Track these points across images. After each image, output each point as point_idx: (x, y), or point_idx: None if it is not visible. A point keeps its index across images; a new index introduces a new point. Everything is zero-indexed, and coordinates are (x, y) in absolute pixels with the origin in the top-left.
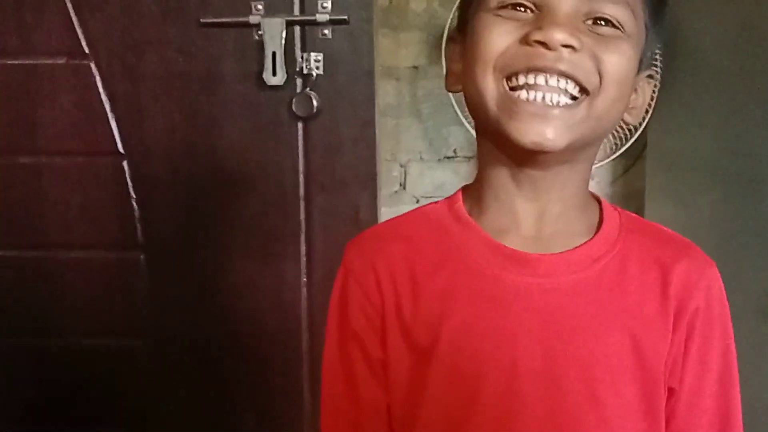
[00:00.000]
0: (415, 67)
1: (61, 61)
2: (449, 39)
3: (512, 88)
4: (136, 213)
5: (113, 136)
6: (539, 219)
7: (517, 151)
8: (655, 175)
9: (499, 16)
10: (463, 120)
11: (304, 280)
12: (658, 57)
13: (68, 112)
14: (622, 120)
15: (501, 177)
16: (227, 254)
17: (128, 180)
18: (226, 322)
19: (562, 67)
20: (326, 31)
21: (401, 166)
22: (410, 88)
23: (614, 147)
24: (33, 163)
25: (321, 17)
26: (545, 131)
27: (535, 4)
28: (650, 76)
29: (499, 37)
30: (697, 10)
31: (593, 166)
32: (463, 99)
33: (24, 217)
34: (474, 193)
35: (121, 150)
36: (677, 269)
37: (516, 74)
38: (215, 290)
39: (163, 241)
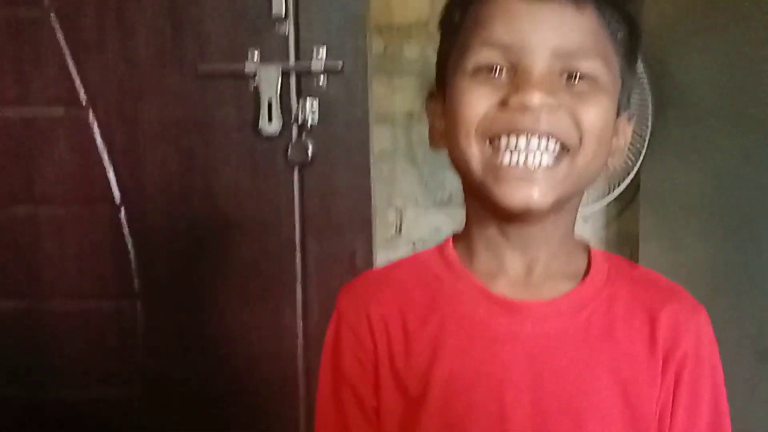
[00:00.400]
0: (410, 113)
1: (59, 110)
2: (429, 96)
3: (495, 149)
4: (133, 261)
5: (110, 184)
6: (527, 266)
7: (503, 211)
8: (648, 218)
9: (477, 80)
10: None
11: (301, 326)
12: (649, 101)
13: (65, 160)
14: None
15: (488, 229)
16: (224, 301)
17: (125, 228)
18: (223, 370)
19: (542, 127)
20: (321, 79)
21: (397, 210)
22: (405, 134)
23: (607, 190)
24: (30, 212)
25: (316, 66)
26: (531, 194)
27: (511, 64)
28: (630, 117)
29: (478, 102)
30: (686, 55)
31: (588, 210)
32: None
33: (20, 267)
34: (464, 241)
35: (118, 198)
36: (665, 313)
37: (498, 136)
38: (212, 337)
39: (159, 289)
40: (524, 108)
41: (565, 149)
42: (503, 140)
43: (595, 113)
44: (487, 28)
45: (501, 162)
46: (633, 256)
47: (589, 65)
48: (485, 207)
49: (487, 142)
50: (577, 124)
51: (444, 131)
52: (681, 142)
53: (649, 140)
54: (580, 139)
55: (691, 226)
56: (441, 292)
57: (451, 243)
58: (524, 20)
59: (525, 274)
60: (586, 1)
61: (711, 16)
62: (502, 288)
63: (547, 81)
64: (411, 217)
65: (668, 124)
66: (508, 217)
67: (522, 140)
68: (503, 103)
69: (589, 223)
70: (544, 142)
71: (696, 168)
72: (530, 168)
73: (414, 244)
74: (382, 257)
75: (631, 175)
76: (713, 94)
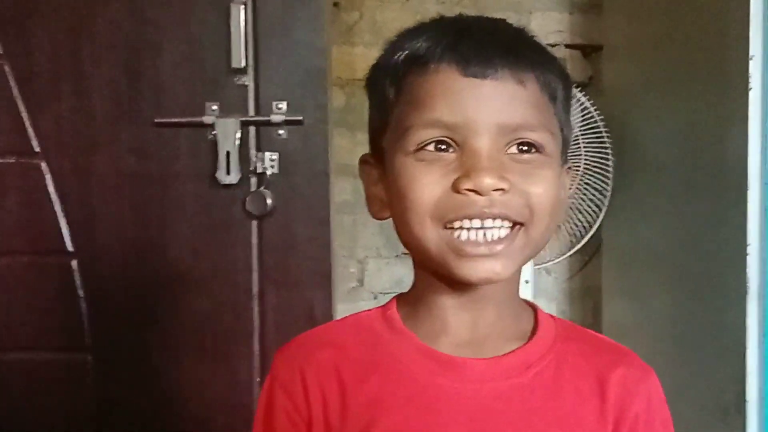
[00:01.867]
0: None
1: (11, 160)
2: (362, 162)
3: (451, 230)
4: (85, 313)
5: (63, 235)
6: (472, 325)
7: (462, 284)
8: (611, 271)
9: (422, 160)
10: None
11: (257, 380)
12: (610, 158)
13: (17, 211)
14: None
15: (437, 293)
16: (178, 355)
17: (77, 279)
18: (176, 425)
19: (495, 210)
20: (281, 131)
21: (359, 262)
22: None
23: (570, 244)
24: None
25: (276, 118)
26: (494, 268)
27: (455, 141)
28: (570, 168)
29: (429, 189)
30: (646, 113)
31: (551, 263)
32: None
33: None
34: (409, 301)
35: (71, 249)
36: (615, 376)
37: (452, 221)
38: (165, 392)
39: (111, 342)
40: (476, 192)
41: (518, 224)
42: (456, 224)
43: (543, 188)
44: (428, 108)
45: (459, 238)
46: (596, 309)
47: (535, 136)
48: (439, 277)
49: (443, 226)
50: (528, 203)
51: (387, 203)
52: (642, 198)
53: (611, 194)
54: (532, 216)
55: (653, 280)
56: (381, 352)
57: (395, 304)
58: (467, 98)
59: (469, 333)
60: (526, 74)
61: (671, 75)
62: (445, 347)
63: (495, 162)
64: (373, 269)
65: (629, 180)
66: (463, 286)
67: (476, 222)
68: (455, 188)
69: (552, 275)
70: (498, 222)
71: (657, 223)
72: (489, 240)
73: (376, 296)
74: (343, 309)
75: (593, 229)
76: (673, 151)
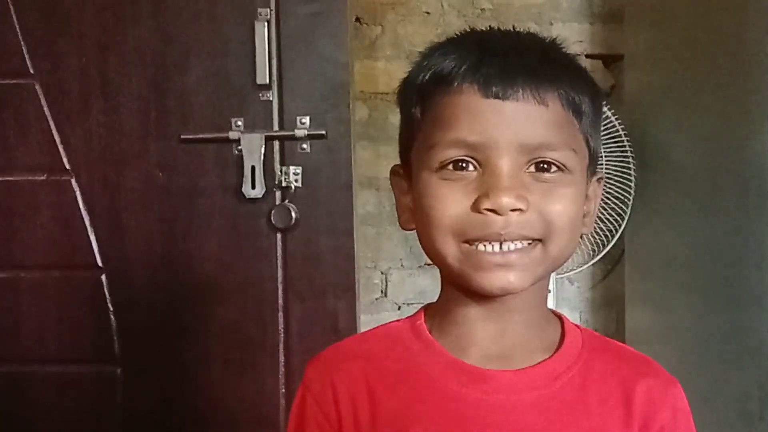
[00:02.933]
0: None
1: (42, 177)
2: (393, 172)
3: (470, 244)
4: (114, 326)
5: (92, 249)
6: (500, 337)
7: (482, 294)
8: (634, 280)
9: (445, 179)
10: None
11: (283, 391)
12: (632, 167)
13: (47, 226)
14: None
15: (462, 303)
16: (205, 366)
17: (106, 293)
18: None
19: (512, 231)
20: (305, 145)
21: (382, 273)
22: (390, 197)
23: (592, 253)
24: (11, 277)
25: (299, 132)
26: (509, 278)
27: (477, 161)
28: (600, 179)
29: (450, 208)
30: (667, 119)
31: (573, 272)
32: None
33: (0, 332)
34: (436, 312)
35: (100, 263)
36: (641, 386)
37: (472, 241)
38: (193, 403)
39: (140, 354)
40: (495, 212)
41: (536, 240)
42: (476, 243)
43: (563, 206)
44: (451, 128)
45: (477, 249)
46: (619, 318)
47: (556, 155)
48: (460, 289)
49: (462, 241)
50: (547, 221)
51: (413, 214)
52: (664, 205)
53: (633, 203)
54: (550, 232)
55: (676, 288)
56: (410, 363)
57: (423, 315)
58: (488, 119)
59: (497, 345)
60: (548, 93)
61: (691, 83)
62: (473, 359)
63: (515, 182)
64: (396, 280)
65: (651, 187)
66: (485, 297)
67: (496, 245)
68: (475, 208)
69: (575, 285)
70: (517, 241)
71: (680, 230)
72: (504, 251)
73: (399, 307)
74: (366, 320)
75: (616, 238)
76: (694, 159)
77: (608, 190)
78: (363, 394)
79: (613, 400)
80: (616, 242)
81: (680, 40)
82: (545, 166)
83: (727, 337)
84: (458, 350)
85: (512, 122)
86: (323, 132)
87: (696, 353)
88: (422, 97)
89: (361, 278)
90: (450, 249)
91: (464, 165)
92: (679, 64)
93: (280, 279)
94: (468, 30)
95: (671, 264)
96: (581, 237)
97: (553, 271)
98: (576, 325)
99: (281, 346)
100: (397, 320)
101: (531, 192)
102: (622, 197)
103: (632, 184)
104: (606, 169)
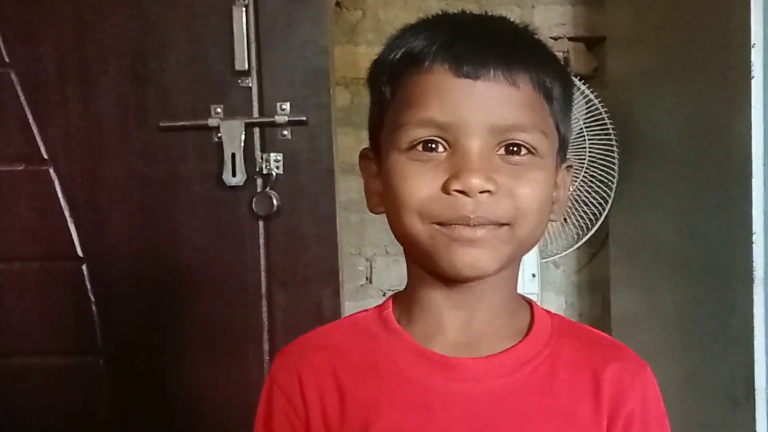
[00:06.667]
0: None
1: (20, 167)
2: (362, 156)
3: (439, 225)
4: (96, 317)
5: (72, 240)
6: (467, 325)
7: (450, 276)
8: (619, 263)
9: (414, 160)
10: None
11: None
12: (615, 150)
13: (26, 217)
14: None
15: (430, 289)
16: (189, 356)
17: (87, 284)
18: (188, 426)
19: (480, 216)
20: (285, 132)
21: (367, 260)
22: None
23: (577, 237)
24: None
25: (280, 119)
26: (478, 257)
27: (447, 142)
28: (569, 167)
29: (419, 189)
30: (651, 103)
31: (558, 256)
32: None
33: None
34: (404, 300)
35: (80, 254)
36: (609, 371)
37: (441, 223)
38: (177, 393)
39: (123, 345)
40: (464, 193)
41: (504, 224)
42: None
43: (532, 189)
44: (421, 107)
45: (446, 228)
46: (604, 301)
47: (527, 137)
48: (429, 271)
49: (431, 223)
50: (515, 204)
51: (382, 198)
52: (647, 189)
53: (617, 186)
54: (518, 215)
55: (660, 271)
56: (377, 353)
57: (390, 303)
58: (459, 99)
59: (464, 332)
60: (519, 74)
61: (674, 65)
62: (441, 347)
63: (485, 163)
64: (381, 267)
65: (635, 171)
66: (453, 281)
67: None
68: (444, 189)
69: (560, 268)
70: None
71: (663, 213)
72: (473, 228)
73: (384, 293)
74: (351, 307)
75: (600, 221)
76: (677, 141)
77: (592, 173)
78: (330, 385)
79: (582, 386)
80: (600, 226)
81: (662, 22)
82: (515, 148)
83: (711, 319)
84: (426, 338)
85: (483, 103)
86: (304, 118)
87: (681, 336)
88: (393, 77)
89: (346, 265)
90: (418, 229)
91: (434, 146)
92: (661, 46)
93: (263, 267)
94: (440, 14)
95: (656, 247)
96: (565, 221)
97: (520, 256)
98: (546, 310)
99: (265, 334)
100: (365, 310)
101: (500, 174)
102: (606, 180)
103: (615, 168)
104: (589, 152)
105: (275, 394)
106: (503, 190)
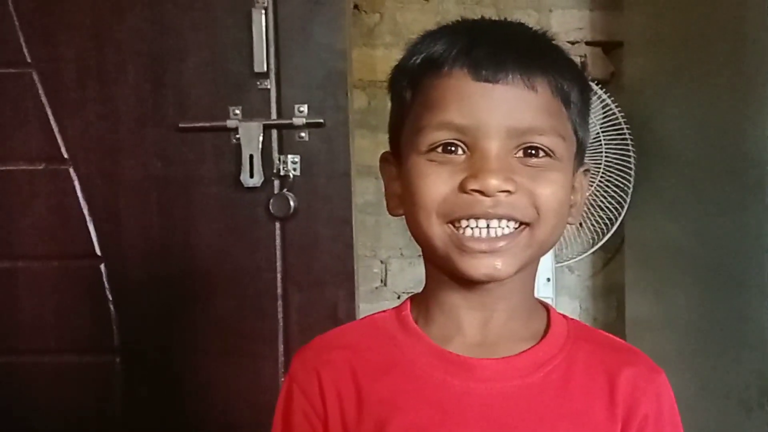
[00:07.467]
0: None
1: (40, 166)
2: (383, 159)
3: (456, 227)
4: (113, 316)
5: (91, 239)
6: (484, 326)
7: (467, 280)
8: (634, 268)
9: (433, 161)
10: None
11: (282, 380)
12: (631, 155)
13: (46, 216)
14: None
15: (447, 292)
16: (204, 356)
17: (105, 283)
18: (202, 425)
19: (500, 211)
20: (303, 134)
21: (382, 262)
22: None
23: (592, 241)
24: (9, 267)
25: (297, 121)
26: (495, 264)
27: (465, 144)
28: (586, 171)
29: (436, 187)
30: (667, 107)
31: (574, 260)
32: None
33: None
34: (422, 302)
35: (99, 253)
36: (624, 375)
37: (458, 220)
38: (192, 393)
39: (139, 344)
40: (482, 193)
41: (523, 224)
42: (463, 222)
43: (551, 191)
44: (440, 110)
45: (463, 234)
46: (619, 306)
47: (544, 140)
48: (446, 274)
49: (448, 224)
50: (535, 205)
51: (401, 200)
52: (664, 194)
53: (633, 191)
54: (538, 216)
55: (675, 276)
56: (395, 353)
57: (408, 305)
58: (478, 102)
59: (482, 333)
60: (537, 78)
61: (691, 70)
62: (459, 348)
63: (503, 164)
64: (396, 269)
65: (650, 176)
66: (469, 284)
67: (482, 222)
68: (461, 188)
69: (575, 273)
70: (503, 222)
71: (679, 219)
72: (491, 237)
73: (399, 296)
74: (366, 309)
75: (616, 226)
76: (694, 146)
77: (608, 178)
78: (348, 384)
79: (597, 389)
80: (616, 230)
81: (679, 27)
82: (533, 151)
83: (726, 326)
84: (443, 339)
85: (501, 106)
86: (321, 120)
87: (695, 342)
88: (413, 81)
89: (361, 267)
90: (436, 230)
91: (453, 148)
92: (678, 51)
93: (279, 268)
94: (460, 19)
95: (671, 252)
96: (580, 226)
97: (538, 258)
98: (563, 315)
99: (280, 335)
100: (383, 311)
101: (519, 175)
102: (622, 185)
103: (632, 172)
104: (606, 156)
105: (295, 393)
106: (522, 190)
